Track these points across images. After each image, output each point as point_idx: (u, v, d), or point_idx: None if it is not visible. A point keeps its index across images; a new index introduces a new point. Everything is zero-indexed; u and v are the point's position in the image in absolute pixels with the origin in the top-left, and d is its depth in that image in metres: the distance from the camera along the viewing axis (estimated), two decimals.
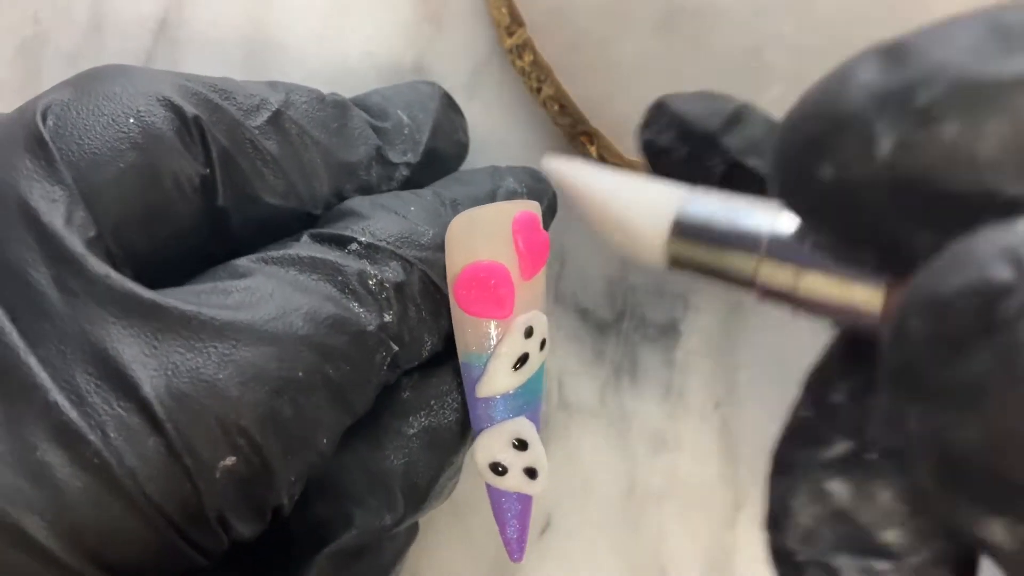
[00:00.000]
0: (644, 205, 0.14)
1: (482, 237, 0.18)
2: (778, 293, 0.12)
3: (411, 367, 0.19)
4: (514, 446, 0.18)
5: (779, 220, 0.13)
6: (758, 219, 0.13)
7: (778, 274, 0.12)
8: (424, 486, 0.19)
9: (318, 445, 0.16)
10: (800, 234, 0.12)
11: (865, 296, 0.12)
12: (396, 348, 0.17)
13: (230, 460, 0.15)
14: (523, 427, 0.19)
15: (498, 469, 0.18)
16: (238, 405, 0.15)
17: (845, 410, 0.13)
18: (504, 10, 0.24)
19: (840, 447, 0.13)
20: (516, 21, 0.24)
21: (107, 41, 0.27)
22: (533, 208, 0.19)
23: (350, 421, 0.17)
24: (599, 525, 0.25)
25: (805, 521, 0.13)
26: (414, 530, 0.20)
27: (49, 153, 0.15)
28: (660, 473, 0.25)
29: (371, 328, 0.17)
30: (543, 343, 0.19)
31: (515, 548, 0.19)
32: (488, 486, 0.19)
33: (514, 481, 0.19)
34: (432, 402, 0.19)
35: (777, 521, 0.13)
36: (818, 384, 0.13)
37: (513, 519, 0.19)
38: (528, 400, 0.19)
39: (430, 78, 0.26)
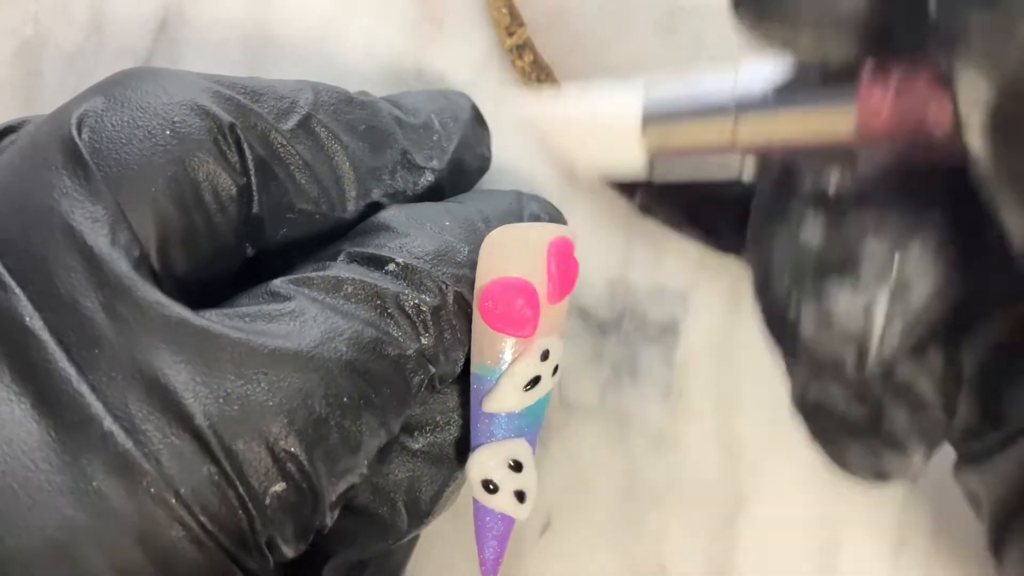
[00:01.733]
0: (611, 109, 0.14)
1: (517, 254, 0.18)
2: (757, 147, 0.12)
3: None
4: (509, 466, 0.18)
5: (739, 80, 0.13)
6: (719, 86, 0.13)
7: (753, 128, 0.12)
8: (427, 501, 0.19)
9: (359, 467, 0.16)
10: (764, 83, 0.13)
11: (837, 117, 0.12)
12: (433, 370, 0.17)
13: (280, 486, 0.15)
14: (521, 449, 0.19)
15: (490, 487, 0.18)
16: (288, 432, 0.15)
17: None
18: (504, 10, 0.25)
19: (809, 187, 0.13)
20: (516, 21, 0.24)
21: (107, 41, 0.27)
22: (570, 236, 0.19)
23: (387, 441, 0.17)
24: (599, 525, 0.25)
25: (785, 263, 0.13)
26: (414, 541, 0.20)
27: (88, 170, 0.15)
28: (660, 473, 0.25)
29: (410, 352, 0.17)
30: (555, 369, 0.19)
31: (490, 569, 0.19)
32: (475, 502, 0.19)
33: (503, 502, 0.18)
34: (438, 418, 0.19)
35: (764, 282, 0.14)
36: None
37: (493, 539, 0.19)
38: (530, 423, 0.19)
39: (430, 78, 0.26)
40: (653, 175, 0.15)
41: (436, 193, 0.20)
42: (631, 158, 0.14)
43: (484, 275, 0.18)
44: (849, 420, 0.15)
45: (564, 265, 0.18)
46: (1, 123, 0.17)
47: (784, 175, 0.14)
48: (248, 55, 0.26)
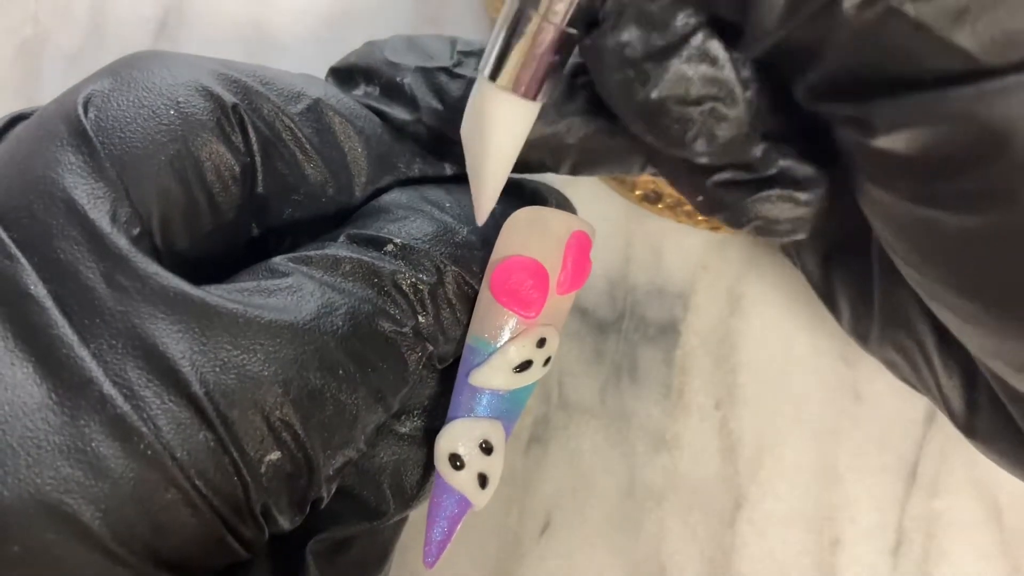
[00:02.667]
0: (482, 110, 0.16)
1: (539, 236, 0.18)
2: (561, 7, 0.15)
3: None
4: (481, 447, 0.18)
5: None
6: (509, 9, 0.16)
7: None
8: (413, 485, 0.19)
9: (356, 441, 0.16)
10: None
11: None
12: (431, 348, 0.17)
13: (275, 455, 0.15)
14: (496, 432, 0.18)
15: (456, 463, 0.18)
16: (283, 401, 0.15)
17: None
18: None
19: None
20: None
21: (107, 41, 0.27)
22: (591, 234, 0.19)
23: (385, 418, 0.17)
24: (599, 525, 0.25)
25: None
26: (403, 520, 0.20)
27: (92, 147, 0.15)
28: (660, 473, 0.25)
29: (407, 329, 0.17)
30: (547, 361, 0.19)
31: (433, 551, 0.18)
32: (437, 476, 0.18)
33: (465, 481, 0.18)
34: (427, 403, 0.19)
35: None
36: None
37: (444, 520, 0.18)
38: (511, 408, 0.19)
39: None
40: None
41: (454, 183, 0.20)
42: (519, 114, 0.16)
43: (502, 249, 0.18)
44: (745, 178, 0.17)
45: (580, 260, 0.18)
46: (14, 111, 0.17)
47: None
48: (248, 56, 0.26)
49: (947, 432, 0.25)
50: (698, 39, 0.15)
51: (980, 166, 0.12)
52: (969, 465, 0.25)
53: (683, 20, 0.15)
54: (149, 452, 0.14)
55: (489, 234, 0.18)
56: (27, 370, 0.14)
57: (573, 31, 0.15)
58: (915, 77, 0.12)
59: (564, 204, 0.21)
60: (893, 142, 0.13)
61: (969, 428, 0.19)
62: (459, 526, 0.18)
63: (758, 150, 0.17)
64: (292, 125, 0.18)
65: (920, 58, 0.12)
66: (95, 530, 0.13)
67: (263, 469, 0.15)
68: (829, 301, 0.21)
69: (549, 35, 0.15)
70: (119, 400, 0.14)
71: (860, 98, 0.13)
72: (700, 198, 0.17)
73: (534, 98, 0.16)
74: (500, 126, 0.16)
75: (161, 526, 0.14)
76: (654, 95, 0.15)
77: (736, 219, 0.17)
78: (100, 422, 0.14)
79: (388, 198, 0.18)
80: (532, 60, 0.15)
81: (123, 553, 0.14)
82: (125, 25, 0.27)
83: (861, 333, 0.21)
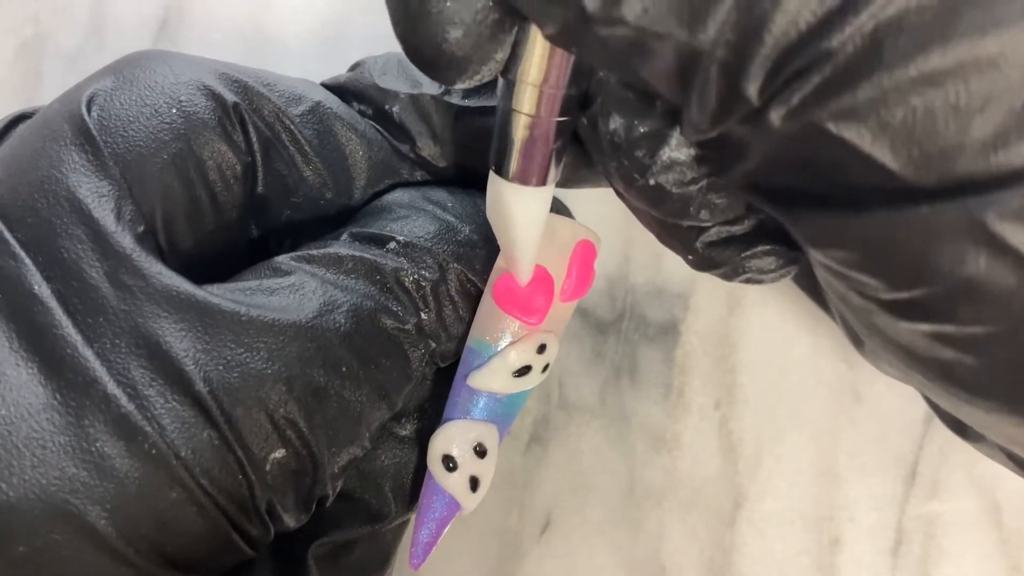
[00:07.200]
0: (498, 201, 0.17)
1: (546, 243, 0.18)
2: (546, 102, 0.15)
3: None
4: (475, 450, 0.18)
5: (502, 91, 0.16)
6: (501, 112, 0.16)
7: (527, 99, 0.15)
8: (413, 487, 0.19)
9: (361, 439, 0.16)
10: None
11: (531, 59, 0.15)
12: (434, 345, 0.17)
13: (280, 452, 0.15)
14: (491, 435, 0.18)
15: (449, 464, 0.18)
16: (287, 399, 0.15)
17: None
18: None
19: None
20: None
21: (107, 41, 0.27)
22: (596, 243, 0.19)
23: (389, 415, 0.17)
24: (599, 525, 0.25)
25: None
26: (405, 523, 0.20)
27: (96, 146, 0.16)
28: (660, 473, 0.25)
29: (409, 326, 0.17)
30: (546, 367, 0.19)
31: (420, 552, 0.18)
32: (428, 477, 0.18)
33: (456, 484, 0.18)
34: (426, 405, 0.19)
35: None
36: None
37: (432, 522, 0.18)
38: (507, 412, 0.19)
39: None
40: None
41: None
42: (531, 202, 0.16)
43: None
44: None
45: (584, 268, 0.18)
46: (15, 111, 0.17)
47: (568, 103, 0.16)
48: (248, 56, 0.26)
49: (947, 432, 0.25)
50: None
51: (906, 288, 0.12)
52: (969, 465, 0.25)
53: (661, 106, 0.14)
54: (154, 451, 0.14)
55: (492, 234, 0.18)
56: (31, 371, 0.14)
57: (564, 119, 0.15)
58: (837, 191, 0.12)
59: (563, 212, 0.21)
60: (816, 255, 0.13)
61: (958, 428, 0.19)
62: (447, 528, 0.18)
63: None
64: (292, 127, 0.18)
65: (842, 172, 0.12)
66: (101, 530, 0.13)
67: (268, 467, 0.15)
68: (821, 303, 0.22)
69: (541, 130, 0.15)
70: (123, 399, 0.14)
71: (785, 206, 0.13)
72: (690, 257, 0.17)
73: (543, 183, 0.16)
74: (516, 216, 0.16)
75: (167, 525, 0.14)
76: (652, 182, 0.15)
77: (728, 275, 0.17)
78: (104, 422, 0.14)
79: (390, 198, 0.19)
80: (531, 153, 0.16)
81: (129, 553, 0.14)
82: (125, 25, 0.27)
83: (851, 336, 0.21)
